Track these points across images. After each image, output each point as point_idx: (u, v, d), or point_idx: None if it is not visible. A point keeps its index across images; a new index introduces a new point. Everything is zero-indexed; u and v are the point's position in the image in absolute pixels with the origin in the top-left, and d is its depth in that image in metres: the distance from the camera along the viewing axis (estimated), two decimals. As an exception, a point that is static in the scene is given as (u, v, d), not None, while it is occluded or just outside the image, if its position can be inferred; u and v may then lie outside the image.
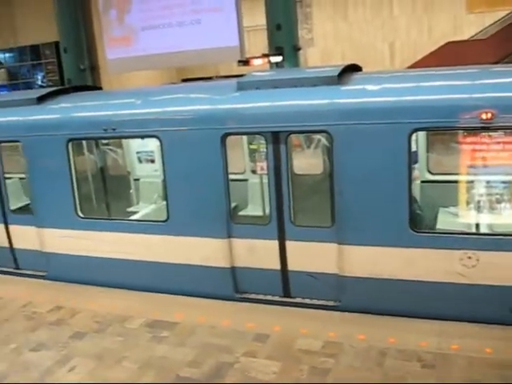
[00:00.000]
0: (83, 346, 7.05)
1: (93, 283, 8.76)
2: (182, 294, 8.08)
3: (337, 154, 6.92)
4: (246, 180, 10.42)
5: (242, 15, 19.35)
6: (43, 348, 7.09)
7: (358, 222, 6.96)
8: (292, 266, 7.51)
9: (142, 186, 11.02)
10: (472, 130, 6.61)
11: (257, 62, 19.03)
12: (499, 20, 20.89)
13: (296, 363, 6.22)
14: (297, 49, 19.23)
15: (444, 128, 6.64)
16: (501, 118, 6.15)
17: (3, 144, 9.44)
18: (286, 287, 7.64)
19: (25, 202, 10.71)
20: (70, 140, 8.58)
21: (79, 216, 8.78)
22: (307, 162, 11.26)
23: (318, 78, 7.31)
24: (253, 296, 7.83)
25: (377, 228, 6.90)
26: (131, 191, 11.19)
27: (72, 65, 23.89)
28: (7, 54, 30.68)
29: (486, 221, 7.34)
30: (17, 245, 9.64)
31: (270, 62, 18.94)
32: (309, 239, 7.33)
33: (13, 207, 9.82)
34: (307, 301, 7.53)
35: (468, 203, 7.66)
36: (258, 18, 22.59)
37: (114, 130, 8.16)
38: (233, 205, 8.32)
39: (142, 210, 9.96)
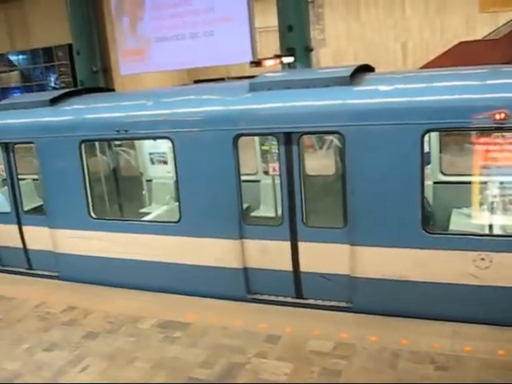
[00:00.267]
0: (96, 346, 7.08)
1: (105, 284, 8.80)
2: (194, 295, 8.09)
3: (349, 155, 6.90)
4: (258, 181, 10.42)
5: (254, 20, 19.35)
6: (56, 348, 7.13)
7: (371, 223, 6.94)
8: (304, 267, 7.50)
9: (154, 187, 11.05)
10: (485, 131, 6.56)
11: (269, 63, 19.00)
12: (512, 19, 20.76)
13: (307, 364, 6.20)
14: (309, 50, 19.18)
15: (457, 129, 6.61)
16: (514, 119, 6.10)
17: (17, 145, 9.49)
18: (298, 288, 7.63)
19: (38, 202, 10.79)
20: (83, 141, 8.62)
21: (92, 217, 8.82)
22: (319, 162, 11.24)
23: (330, 78, 7.30)
24: (265, 297, 7.83)
25: (389, 229, 6.87)
26: (143, 192, 11.23)
27: (85, 67, 23.99)
28: (21, 56, 30.87)
29: (500, 222, 7.29)
30: (30, 245, 9.70)
31: (281, 62, 18.91)
32: (321, 240, 7.31)
33: (26, 208, 9.87)
34: (319, 302, 7.51)
35: (481, 204, 7.61)
36: (269, 19, 22.60)
37: (126, 131, 8.19)
38: (245, 206, 8.32)
39: (155, 211, 9.98)
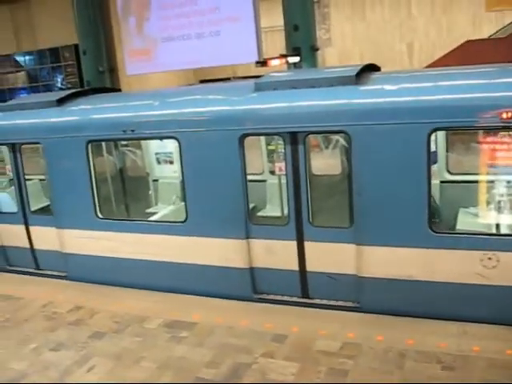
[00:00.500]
0: (102, 346, 7.10)
1: (112, 284, 8.82)
2: (201, 295, 8.10)
3: (355, 155, 6.89)
4: (264, 181, 10.43)
5: (259, 20, 19.35)
6: (63, 348, 7.16)
7: (377, 222, 6.93)
8: (310, 266, 7.49)
9: (160, 187, 11.07)
10: (492, 130, 6.55)
11: (274, 63, 19.00)
12: (519, 18, 20.67)
13: (314, 364, 6.20)
14: (314, 49, 19.17)
15: (463, 128, 6.59)
16: (522, 118, 6.08)
17: (24, 146, 9.53)
18: (304, 288, 7.63)
19: (45, 203, 10.83)
20: (90, 141, 8.65)
21: (98, 217, 8.84)
22: (325, 162, 11.23)
23: (335, 78, 7.29)
24: (271, 297, 7.83)
25: (396, 229, 6.86)
26: (150, 192, 11.25)
27: (91, 67, 24.06)
28: (27, 57, 30.97)
29: (507, 221, 7.27)
30: (37, 245, 9.73)
31: (287, 62, 18.91)
32: (327, 240, 7.31)
33: (33, 208, 9.90)
34: (325, 302, 7.51)
35: (488, 203, 7.59)
36: (275, 19, 22.57)
37: (132, 131, 8.21)
38: (251, 205, 8.32)
39: (161, 211, 10.00)
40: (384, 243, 6.93)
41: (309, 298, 7.64)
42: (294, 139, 7.23)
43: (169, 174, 10.77)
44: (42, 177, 10.77)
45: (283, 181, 7.79)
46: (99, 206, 8.87)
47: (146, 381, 6.23)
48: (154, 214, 9.99)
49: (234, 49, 19.55)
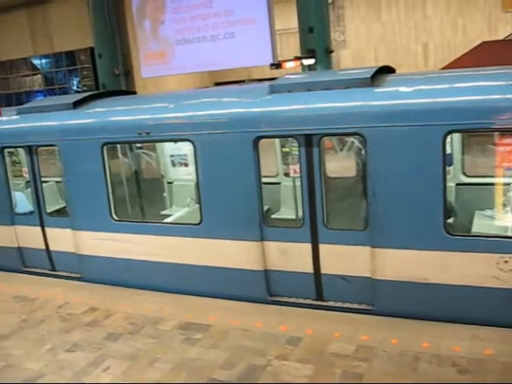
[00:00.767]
0: (117, 347, 7.13)
1: (127, 285, 8.87)
2: (215, 297, 8.11)
3: (370, 157, 6.87)
4: (278, 183, 10.43)
5: (274, 22, 19.38)
6: (78, 349, 7.20)
7: (392, 225, 6.90)
8: (325, 269, 7.48)
9: (175, 189, 11.12)
10: (508, 132, 6.50)
11: (289, 65, 19.02)
12: (536, 19, 20.52)
13: (328, 367, 6.18)
14: (329, 51, 19.18)
15: (479, 129, 6.54)
16: (538, 119, 6.03)
17: (40, 148, 9.60)
18: (318, 290, 7.61)
19: (60, 204, 10.91)
20: (105, 144, 8.70)
21: (114, 219, 8.89)
22: (340, 164, 11.21)
23: (350, 80, 7.27)
24: (285, 299, 7.82)
25: (411, 231, 6.82)
26: (165, 194, 11.29)
27: (106, 70, 24.27)
28: (44, 60, 31.28)
29: (524, 224, 7.22)
30: (53, 247, 9.80)
31: (302, 64, 18.92)
32: (342, 242, 7.28)
33: (49, 210, 9.98)
34: (340, 304, 7.49)
35: (504, 206, 7.53)
36: (290, 21, 22.62)
37: (147, 133, 8.25)
38: (265, 208, 8.33)
39: (176, 213, 10.03)
40: (399, 246, 6.89)
41: (323, 300, 7.62)
42: (308, 141, 7.22)
43: (183, 176, 10.80)
44: (58, 179, 10.86)
45: (298, 183, 7.78)
46: (114, 207, 8.92)
47: (161, 382, 6.25)
48: (168, 216, 10.03)
49: (249, 51, 19.61)
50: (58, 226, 9.61)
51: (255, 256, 7.77)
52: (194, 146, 7.92)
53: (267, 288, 7.86)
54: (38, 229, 9.82)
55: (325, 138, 7.51)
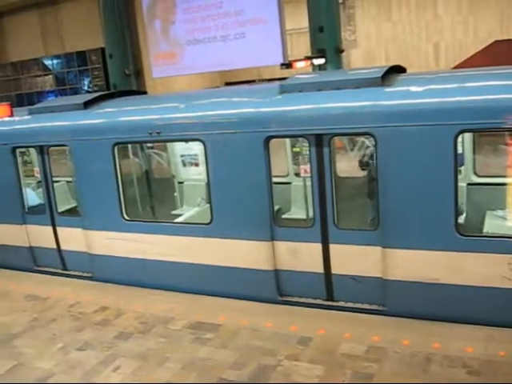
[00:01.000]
0: (127, 347, 7.16)
1: (138, 285, 8.89)
2: (225, 296, 8.12)
3: (381, 156, 6.85)
4: (289, 183, 10.42)
5: (285, 22, 19.37)
6: (89, 348, 7.23)
7: (403, 225, 6.87)
8: (335, 269, 7.46)
9: (186, 189, 11.14)
10: (520, 132, 6.46)
11: (299, 65, 19.00)
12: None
13: (339, 367, 6.17)
14: (340, 51, 19.14)
15: (491, 129, 6.50)
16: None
17: (51, 148, 9.65)
18: (329, 290, 7.60)
19: (72, 204, 10.96)
20: (116, 144, 8.72)
21: (125, 218, 8.91)
22: (350, 164, 11.18)
23: (361, 79, 7.25)
24: (296, 299, 7.81)
25: (422, 231, 6.79)
26: (175, 194, 11.32)
27: (117, 70, 24.35)
28: (55, 61, 31.43)
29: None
30: (64, 246, 9.85)
31: (312, 64, 18.89)
32: (352, 242, 7.26)
33: (60, 209, 10.02)
34: (350, 304, 7.47)
35: (516, 206, 7.49)
36: (300, 21, 22.59)
37: (158, 133, 8.26)
38: (276, 208, 8.32)
39: (186, 213, 10.05)
40: (410, 246, 6.86)
41: (334, 300, 7.61)
42: (319, 141, 7.20)
43: (194, 176, 10.82)
44: (69, 179, 10.90)
45: (308, 183, 7.77)
46: (125, 207, 8.94)
47: (171, 381, 6.26)
48: (179, 215, 10.05)
49: (259, 51, 19.61)
50: (69, 226, 9.65)
51: (265, 256, 7.76)
52: (205, 145, 7.93)
53: (277, 288, 7.86)
54: (50, 228, 9.86)
55: (335, 138, 7.49)
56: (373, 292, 7.25)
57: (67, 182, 11.60)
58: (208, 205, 8.41)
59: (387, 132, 6.71)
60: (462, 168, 8.49)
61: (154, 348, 7.04)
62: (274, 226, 7.72)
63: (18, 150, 9.98)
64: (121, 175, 8.88)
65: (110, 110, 9.25)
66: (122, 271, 9.10)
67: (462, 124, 6.38)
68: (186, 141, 9.61)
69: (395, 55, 26.12)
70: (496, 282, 6.47)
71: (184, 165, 11.11)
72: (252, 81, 26.72)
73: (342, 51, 19.49)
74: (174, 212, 10.74)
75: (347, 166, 11.16)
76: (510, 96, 6.32)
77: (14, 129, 10.01)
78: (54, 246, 9.90)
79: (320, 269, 7.53)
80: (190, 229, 8.52)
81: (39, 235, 10.03)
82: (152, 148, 11.11)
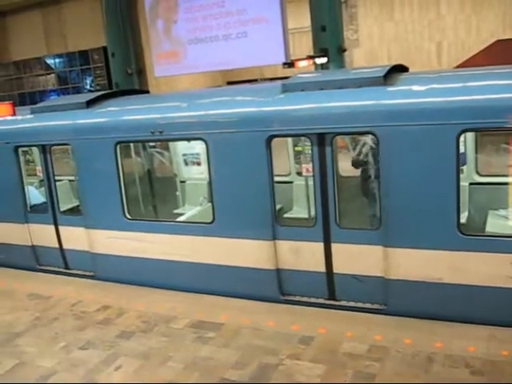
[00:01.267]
0: (129, 346, 7.16)
1: (139, 284, 8.90)
2: (227, 296, 8.12)
3: (383, 156, 6.84)
4: (291, 182, 10.42)
5: (287, 21, 19.34)
6: (91, 346, 7.24)
7: (405, 224, 6.87)
8: (337, 268, 7.46)
9: (188, 188, 11.14)
10: (522, 131, 6.44)
11: (302, 64, 18.97)
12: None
13: (341, 367, 6.17)
14: (342, 50, 19.10)
15: (493, 129, 6.49)
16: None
17: (54, 147, 9.66)
18: (331, 290, 7.60)
19: (74, 203, 10.97)
20: (118, 143, 8.73)
21: (126, 217, 8.92)
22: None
23: (363, 79, 7.25)
24: (297, 298, 7.81)
25: (424, 231, 6.79)
26: (177, 193, 11.32)
27: (119, 69, 24.33)
28: (57, 60, 31.42)
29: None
30: (66, 245, 9.86)
31: (315, 63, 18.87)
32: (354, 242, 7.26)
33: (62, 208, 10.03)
34: (352, 304, 7.47)
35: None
36: (302, 20, 22.54)
37: (160, 132, 8.27)
38: (278, 207, 8.32)
39: (188, 212, 10.05)
40: (412, 245, 6.86)
41: (335, 299, 7.61)
42: (321, 140, 7.20)
43: (196, 175, 10.82)
44: (72, 178, 10.91)
45: (310, 182, 7.77)
46: (127, 206, 8.95)
47: (173, 381, 6.26)
48: (181, 215, 10.05)
49: (261, 50, 19.57)
50: (71, 225, 9.66)
51: (267, 255, 7.77)
52: (207, 145, 7.93)
53: (279, 287, 7.86)
54: (52, 227, 9.87)
55: (338, 137, 7.49)
56: (374, 291, 7.24)
57: (69, 181, 11.61)
58: (210, 204, 8.41)
59: (389, 131, 6.71)
60: (465, 167, 8.48)
61: (156, 347, 7.05)
62: (276, 225, 7.72)
63: (20, 149, 10.00)
64: (123, 174, 8.89)
65: (112, 109, 9.26)
66: (123, 270, 9.11)
67: (465, 123, 6.37)
68: (188, 140, 9.62)
69: (397, 54, 26.04)
70: (498, 282, 6.47)
71: (186, 164, 11.11)
72: (254, 80, 26.69)
73: (345, 50, 19.44)
74: (175, 211, 10.75)
75: (349, 165, 11.12)
76: (512, 95, 6.32)
77: (16, 128, 10.02)
78: (56, 245, 9.91)
79: (322, 268, 7.53)
80: (192, 228, 8.52)
81: (41, 234, 10.04)
82: (154, 147, 11.12)
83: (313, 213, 7.70)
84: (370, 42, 27.89)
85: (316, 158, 7.31)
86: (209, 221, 8.22)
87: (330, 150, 7.20)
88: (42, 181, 10.27)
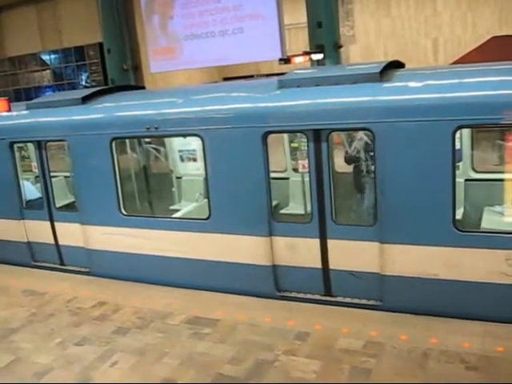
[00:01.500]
0: (125, 342, 7.16)
1: (135, 280, 8.89)
2: (223, 292, 8.12)
3: (379, 152, 6.85)
4: (287, 178, 10.42)
5: (283, 17, 19.33)
6: (87, 343, 7.23)
7: (401, 220, 6.87)
8: (333, 264, 7.47)
9: (184, 184, 11.13)
10: (518, 127, 6.45)
11: (298, 60, 18.98)
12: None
13: (337, 363, 6.17)
14: (338, 46, 19.11)
15: (489, 125, 6.51)
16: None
17: (49, 143, 9.63)
18: (326, 286, 7.61)
19: (69, 199, 10.95)
20: (114, 139, 8.71)
21: (122, 213, 8.90)
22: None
23: (359, 75, 7.24)
24: (294, 294, 7.82)
25: (420, 227, 6.80)
26: (173, 189, 11.31)
27: (115, 65, 24.30)
28: (53, 56, 31.32)
29: (534, 220, 7.17)
30: (62, 241, 9.84)
31: (311, 59, 18.88)
32: (350, 238, 7.27)
33: (58, 205, 10.01)
34: (348, 300, 7.48)
35: (514, 202, 7.49)
36: (298, 16, 22.53)
37: (156, 128, 8.25)
38: (274, 203, 8.32)
39: (184, 208, 10.05)
40: (408, 241, 6.87)
41: (331, 295, 7.62)
42: (317, 136, 7.20)
43: (192, 171, 10.82)
44: (67, 174, 10.89)
45: (306, 178, 7.77)
46: (123, 202, 8.94)
47: (169, 377, 6.26)
48: (177, 211, 10.04)
49: (258, 46, 19.57)
50: (66, 221, 9.64)
51: (263, 251, 7.77)
52: (203, 141, 7.92)
53: (275, 283, 7.86)
54: (47, 223, 9.85)
55: (333, 133, 7.49)
56: (370, 287, 7.25)
57: (65, 177, 11.59)
58: (206, 200, 8.41)
59: (385, 127, 6.71)
60: (460, 164, 8.49)
61: (152, 343, 7.04)
62: (272, 221, 7.72)
63: (15, 145, 9.97)
64: (119, 170, 8.87)
65: (107, 105, 9.24)
66: (119, 266, 9.10)
67: (460, 120, 6.38)
68: (184, 136, 9.61)
69: (394, 51, 26.06)
70: (494, 278, 6.48)
71: (182, 160, 11.10)
72: (250, 76, 26.67)
73: (341, 46, 19.45)
74: (171, 207, 10.74)
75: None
76: (508, 92, 6.33)
77: (11, 124, 9.99)
78: (52, 241, 9.90)
79: (318, 264, 7.54)
80: (188, 224, 8.52)
81: (37, 230, 10.03)
82: (150, 143, 11.10)
83: (309, 209, 7.71)
84: (366, 39, 27.89)
85: (312, 154, 7.31)
86: (205, 217, 8.21)
87: (326, 146, 7.20)
88: (37, 177, 10.25)
